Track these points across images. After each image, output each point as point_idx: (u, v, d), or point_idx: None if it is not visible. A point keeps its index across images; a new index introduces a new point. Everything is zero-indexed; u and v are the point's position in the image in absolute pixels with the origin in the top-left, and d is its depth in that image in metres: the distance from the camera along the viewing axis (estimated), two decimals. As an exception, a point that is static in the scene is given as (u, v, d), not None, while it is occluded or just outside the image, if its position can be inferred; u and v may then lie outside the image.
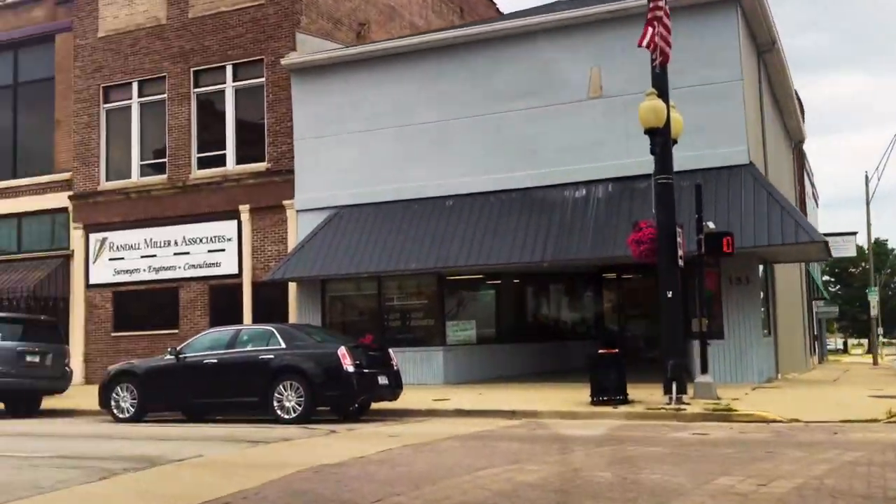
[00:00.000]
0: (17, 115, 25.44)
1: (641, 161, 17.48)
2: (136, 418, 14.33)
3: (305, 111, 21.44)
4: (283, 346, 13.75)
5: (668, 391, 13.61)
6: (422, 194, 19.91)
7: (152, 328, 22.77)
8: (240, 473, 7.93)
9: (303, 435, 11.52)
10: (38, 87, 25.20)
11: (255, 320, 21.18)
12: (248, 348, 14.07)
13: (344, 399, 13.55)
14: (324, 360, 13.41)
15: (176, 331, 22.30)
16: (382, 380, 13.84)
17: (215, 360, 14.03)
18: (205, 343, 14.54)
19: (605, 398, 13.64)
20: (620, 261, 17.95)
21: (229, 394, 13.86)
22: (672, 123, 14.29)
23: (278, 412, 13.35)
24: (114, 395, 14.48)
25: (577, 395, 15.01)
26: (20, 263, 24.35)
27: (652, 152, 13.98)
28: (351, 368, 13.28)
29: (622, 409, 13.28)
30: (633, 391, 14.05)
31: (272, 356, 13.65)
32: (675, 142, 14.52)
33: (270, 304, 21.75)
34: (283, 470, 7.81)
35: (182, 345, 14.81)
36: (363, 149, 20.69)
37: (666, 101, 14.07)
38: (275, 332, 14.08)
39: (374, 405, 14.36)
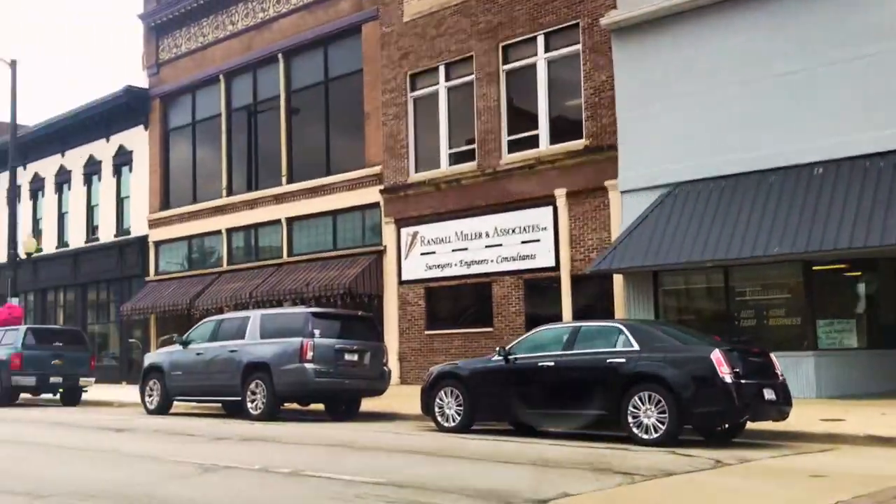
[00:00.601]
0: (328, 112, 25.35)
1: None
2: (463, 428, 12.37)
3: (629, 77, 18.61)
4: (636, 347, 11.03)
5: None
6: (780, 162, 16.21)
7: (465, 326, 21.20)
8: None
9: (681, 465, 8.69)
10: (346, 82, 24.89)
11: (575, 317, 18.75)
12: (592, 350, 11.49)
13: (720, 417, 10.54)
14: (691, 367, 10.51)
15: (490, 329, 20.53)
16: (769, 394, 10.62)
17: (551, 364, 11.66)
18: (537, 342, 12.24)
19: None
20: None
21: (570, 404, 11.42)
22: None
23: (634, 430, 10.66)
24: (437, 399, 12.66)
25: None
26: (335, 261, 24.10)
27: None
28: (729, 378, 10.23)
29: None
30: None
31: (623, 360, 10.98)
32: None
33: (592, 300, 19.23)
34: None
35: (511, 344, 12.63)
36: (701, 113, 17.41)
37: None
38: (624, 329, 11.38)
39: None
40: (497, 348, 12.72)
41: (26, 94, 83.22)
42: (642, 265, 17.23)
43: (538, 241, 20.00)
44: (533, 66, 20.47)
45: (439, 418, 12.63)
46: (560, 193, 19.58)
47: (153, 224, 30.14)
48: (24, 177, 35.45)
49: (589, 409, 11.21)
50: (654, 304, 17.97)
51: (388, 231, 23.13)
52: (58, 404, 21.81)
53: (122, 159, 31.67)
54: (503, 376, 12.11)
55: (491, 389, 12.27)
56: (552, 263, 19.70)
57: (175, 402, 17.40)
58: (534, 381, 11.77)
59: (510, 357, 12.11)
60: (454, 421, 12.44)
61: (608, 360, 11.08)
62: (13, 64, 26.31)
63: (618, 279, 18.42)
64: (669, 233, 17.16)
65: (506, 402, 12.14)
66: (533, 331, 12.73)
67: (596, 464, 8.84)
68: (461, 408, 12.41)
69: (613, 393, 10.87)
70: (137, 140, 30.99)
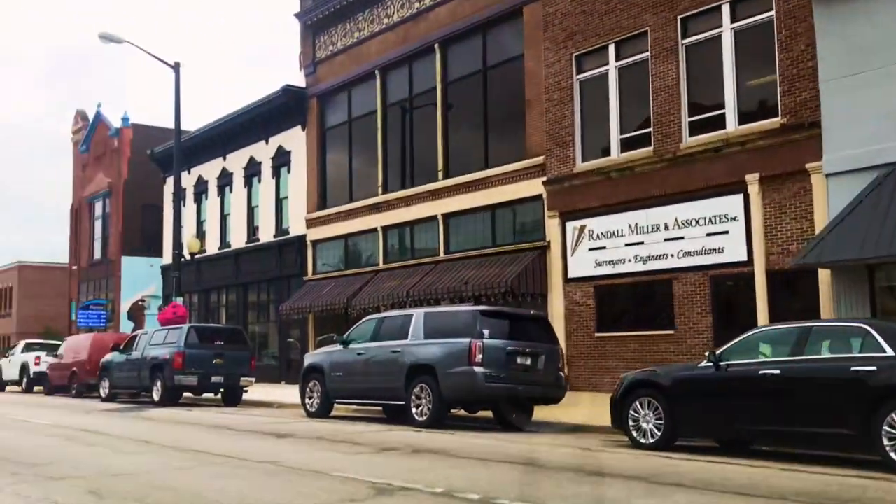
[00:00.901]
0: (486, 102, 24.07)
1: None
2: (663, 444, 10.64)
3: (834, 43, 16.19)
4: (890, 352, 8.96)
5: None
6: None
7: (642, 328, 19.27)
8: None
9: None
10: (505, 69, 23.53)
11: (773, 317, 16.53)
12: (829, 355, 9.52)
13: None
14: (970, 378, 8.35)
15: (671, 331, 18.54)
16: None
17: (776, 371, 9.73)
18: (756, 346, 10.34)
19: None
20: None
21: (801, 420, 9.47)
22: None
23: (891, 454, 8.69)
24: (631, 411, 10.97)
25: None
26: (494, 258, 22.76)
27: None
28: None
29: None
30: None
31: (873, 368, 8.94)
32: None
33: (791, 298, 16.90)
34: None
35: (723, 348, 10.73)
36: (930, 80, 14.82)
37: None
38: (871, 331, 9.32)
39: None
40: (707, 353, 10.89)
41: (188, 97, 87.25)
42: (858, 258, 14.80)
43: (727, 232, 17.85)
44: (717, 39, 18.34)
45: (634, 433, 10.95)
46: (752, 179, 17.38)
47: (311, 223, 29.92)
48: (189, 180, 36.37)
49: (826, 426, 9.24)
50: (871, 303, 15.47)
51: (552, 225, 21.55)
52: (219, 404, 21.61)
53: (281, 160, 31.71)
54: (714, 386, 10.30)
55: (698, 401, 10.47)
56: (744, 258, 17.51)
57: (335, 404, 16.56)
58: (753, 392, 9.89)
59: (722, 363, 10.27)
60: (653, 437, 10.73)
61: (853, 368, 9.07)
62: (177, 66, 26.62)
63: (823, 275, 16.05)
64: (891, 220, 14.65)
65: (717, 415, 10.31)
66: (749, 332, 10.77)
67: (862, 501, 6.93)
68: (661, 421, 10.67)
69: (860, 408, 8.87)
70: (295, 140, 30.93)
